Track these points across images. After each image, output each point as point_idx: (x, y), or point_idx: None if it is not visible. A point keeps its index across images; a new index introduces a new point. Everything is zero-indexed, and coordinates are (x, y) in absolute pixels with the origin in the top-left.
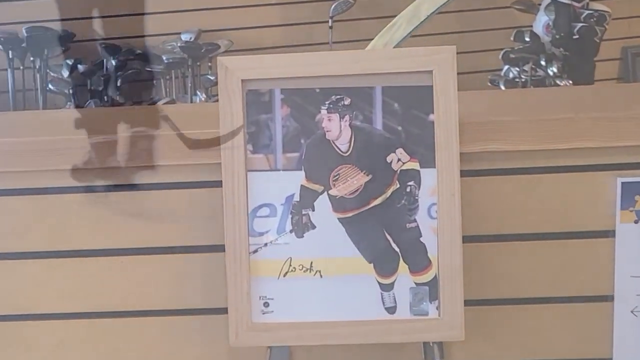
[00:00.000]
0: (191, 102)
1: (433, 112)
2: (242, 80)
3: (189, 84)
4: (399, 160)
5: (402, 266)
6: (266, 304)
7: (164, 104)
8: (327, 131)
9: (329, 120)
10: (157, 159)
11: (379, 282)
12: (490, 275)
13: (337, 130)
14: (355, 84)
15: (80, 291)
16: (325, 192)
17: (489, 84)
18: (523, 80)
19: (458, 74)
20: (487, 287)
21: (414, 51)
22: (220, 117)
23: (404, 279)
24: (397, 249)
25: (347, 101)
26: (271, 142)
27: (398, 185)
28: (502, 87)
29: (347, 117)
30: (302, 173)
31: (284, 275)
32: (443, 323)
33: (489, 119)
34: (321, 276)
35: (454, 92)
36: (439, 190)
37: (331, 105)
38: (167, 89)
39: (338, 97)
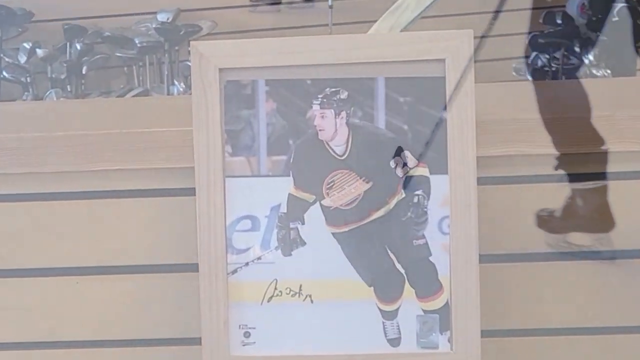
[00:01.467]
0: (168, 93)
1: (445, 109)
2: (220, 70)
3: (166, 72)
4: (404, 165)
5: (408, 290)
6: (247, 334)
7: (136, 95)
8: (320, 130)
9: (322, 117)
10: (119, 162)
11: (380, 309)
12: (511, 301)
13: (332, 129)
14: (353, 74)
15: (25, 318)
16: (318, 203)
17: (514, 74)
18: (553, 69)
19: (476, 62)
20: (508, 316)
21: (424, 36)
22: (194, 113)
23: (410, 305)
24: (401, 270)
25: (343, 95)
26: (254, 142)
27: (403, 195)
28: (529, 78)
29: (343, 114)
30: (290, 180)
31: (269, 300)
32: (456, 358)
33: (512, 117)
34: (312, 301)
35: (471, 84)
36: (452, 201)
37: (325, 100)
38: (140, 78)
39: (333, 89)
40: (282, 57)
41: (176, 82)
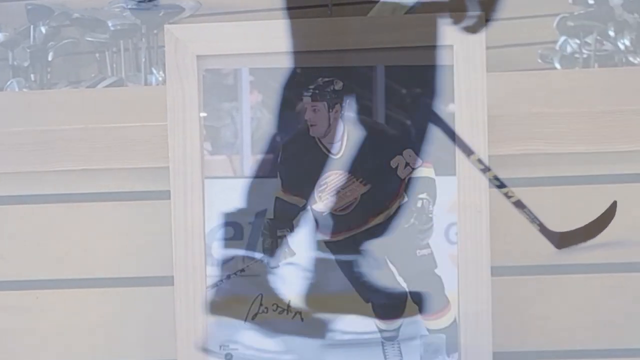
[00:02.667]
0: (145, 82)
1: (454, 101)
2: (198, 57)
3: (143, 59)
4: (407, 165)
5: (411, 307)
6: (228, 356)
7: (109, 85)
8: (312, 125)
9: (314, 110)
10: (85, 161)
11: (379, 328)
12: (528, 320)
13: (325, 124)
14: (350, 62)
15: None
16: (309, 207)
17: (539, 61)
18: (585, 56)
19: (493, 48)
20: (522, 336)
21: (429, 19)
22: (169, 106)
23: (413, 324)
24: (403, 284)
25: (338, 85)
26: (236, 139)
27: (406, 199)
28: (557, 66)
29: (338, 107)
30: (278, 181)
31: (253, 318)
32: None
33: (531, 110)
34: (302, 319)
35: (483, 73)
36: (461, 206)
37: (317, 91)
38: (114, 66)
39: (326, 80)
40: (268, 43)
41: (155, 71)
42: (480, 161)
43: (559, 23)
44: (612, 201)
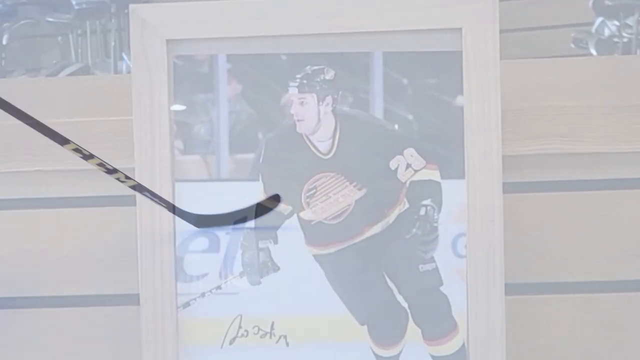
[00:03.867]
0: (115, 70)
1: (462, 93)
2: (168, 41)
3: (112, 43)
4: (408, 166)
5: (413, 330)
6: None
7: (73, 73)
8: (299, 121)
9: (302, 103)
10: (40, 161)
11: (376, 354)
12: (545, 345)
13: (314, 119)
14: (343, 47)
15: None
16: (295, 215)
17: (572, 46)
18: (625, 40)
19: (514, 31)
20: None
21: None
22: (134, 98)
23: (414, 349)
24: (404, 304)
25: (329, 75)
26: (212, 137)
27: (407, 206)
28: (593, 51)
29: (329, 100)
30: (260, 185)
31: (231, 342)
32: None
33: (550, 103)
34: (287, 344)
35: (496, 61)
36: (470, 214)
37: (305, 81)
38: (79, 50)
39: (315, 68)
40: (248, 26)
41: (125, 57)
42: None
43: (595, 2)
44: None
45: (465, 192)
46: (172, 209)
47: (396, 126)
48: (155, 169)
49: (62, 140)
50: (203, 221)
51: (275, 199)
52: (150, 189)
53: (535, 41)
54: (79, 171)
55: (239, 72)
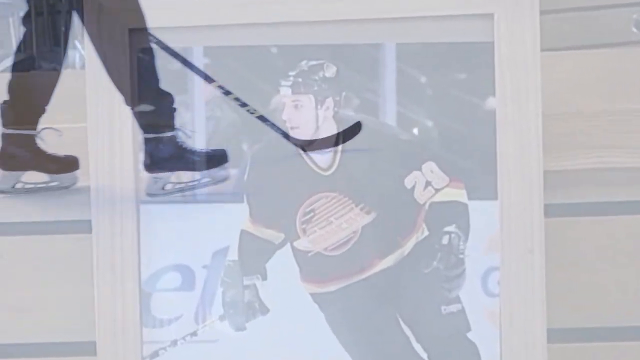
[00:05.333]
0: (62, 62)
1: (494, 94)
2: (131, 31)
3: (63, 29)
4: (427, 184)
5: None
6: None
7: (13, 65)
8: (293, 128)
9: (296, 107)
10: None
11: None
12: None
13: (312, 126)
14: (346, 38)
15: None
16: (288, 245)
17: (635, 31)
18: None
19: (558, 13)
20: None
21: None
22: (89, 100)
23: None
24: (423, 354)
25: (329, 71)
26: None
27: (426, 233)
28: None
29: (329, 103)
30: (245, 208)
31: None
32: None
33: (604, 107)
34: None
35: (535, 53)
36: (505, 243)
37: (300, 80)
38: (24, 39)
39: (313, 63)
40: (230, 12)
41: (79, 45)
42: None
43: None
44: None
45: (499, 216)
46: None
47: (412, 134)
48: (115, 188)
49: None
50: (311, 146)
51: (357, 126)
52: (110, 213)
53: (586, 26)
54: (23, 192)
55: (219, 68)
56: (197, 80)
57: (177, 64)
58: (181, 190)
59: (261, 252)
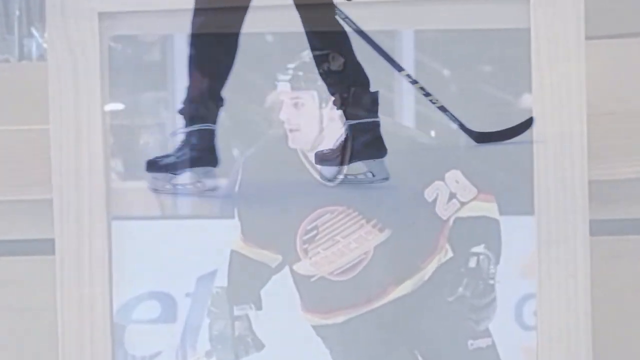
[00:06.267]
0: (20, 55)
1: (530, 90)
2: (101, 15)
3: (17, 13)
4: (452, 196)
5: None
6: None
7: None
8: (292, 131)
9: (296, 106)
10: None
11: None
12: None
13: (314, 128)
14: (356, 24)
15: None
16: (287, 268)
17: None
18: None
19: None
20: None
21: None
22: (51, 97)
23: None
24: None
25: (336, 63)
26: (166, 154)
27: (451, 254)
28: None
29: (336, 101)
30: (236, 225)
31: None
32: None
33: None
34: None
35: (579, 41)
36: (543, 267)
37: (301, 73)
38: None
39: (317, 54)
40: None
41: (36, 32)
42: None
43: None
44: None
45: (536, 235)
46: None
47: (433, 138)
48: (82, 201)
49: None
50: (483, 137)
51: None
52: (75, 228)
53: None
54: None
55: (205, 59)
56: (179, 74)
57: (155, 53)
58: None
59: (255, 277)
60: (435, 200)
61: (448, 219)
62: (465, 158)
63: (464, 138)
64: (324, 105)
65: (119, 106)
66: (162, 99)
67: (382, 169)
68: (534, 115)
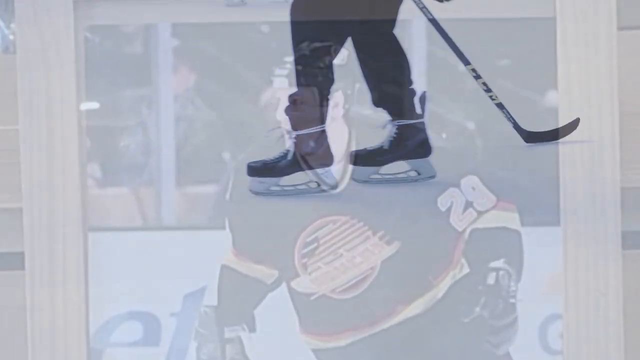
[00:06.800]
0: None
1: (556, 86)
2: (76, 3)
3: None
4: (468, 205)
5: None
6: None
7: None
8: (290, 132)
9: (295, 103)
10: None
11: None
12: None
13: (315, 129)
14: (360, 14)
15: None
16: (284, 285)
17: None
18: None
19: None
20: None
21: None
22: (20, 94)
23: None
24: None
25: (339, 56)
26: (149, 157)
27: (467, 270)
28: None
29: (338, 98)
30: (227, 236)
31: None
32: None
33: None
34: None
35: (611, 32)
36: (569, 283)
37: (300, 68)
38: None
39: (318, 45)
40: None
41: (1, 22)
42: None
43: None
44: None
45: (561, 249)
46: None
47: (447, 140)
48: (55, 210)
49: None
50: (533, 137)
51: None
52: (47, 241)
53: None
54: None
55: (192, 52)
56: (163, 68)
57: (136, 45)
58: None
59: (248, 295)
60: (449, 209)
61: (464, 231)
62: (482, 162)
63: (482, 141)
64: (324, 103)
65: (96, 105)
66: (145, 96)
67: (428, 167)
68: (560, 114)
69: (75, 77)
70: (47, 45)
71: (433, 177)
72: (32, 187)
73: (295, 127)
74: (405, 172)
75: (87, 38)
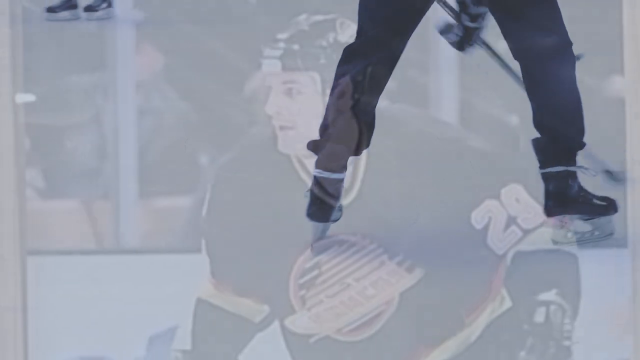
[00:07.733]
0: None
1: (622, 72)
2: None
3: None
4: (510, 222)
5: None
6: None
7: None
8: (283, 128)
9: (290, 92)
10: None
11: None
12: None
13: (315, 124)
14: None
15: None
16: (276, 324)
17: None
18: None
19: None
20: None
21: None
22: None
23: None
24: None
25: (344, 32)
26: (104, 161)
27: (509, 304)
28: None
29: (345, 86)
30: (204, 261)
31: None
32: None
33: None
34: None
35: None
36: (639, 321)
37: (296, 47)
38: None
39: (318, 19)
40: None
41: None
42: None
43: None
44: None
45: (630, 275)
46: None
47: (484, 139)
48: None
49: None
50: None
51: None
52: None
53: None
54: None
55: (159, 27)
56: (122, 48)
57: (93, 25)
58: (582, 241)
59: (231, 337)
60: (486, 227)
61: (505, 254)
62: (529, 168)
63: (529, 140)
64: (327, 91)
65: (36, 96)
66: (99, 84)
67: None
68: (627, 104)
69: (10, 61)
70: None
71: (612, 234)
72: None
73: None
74: (590, 231)
75: (26, 9)
